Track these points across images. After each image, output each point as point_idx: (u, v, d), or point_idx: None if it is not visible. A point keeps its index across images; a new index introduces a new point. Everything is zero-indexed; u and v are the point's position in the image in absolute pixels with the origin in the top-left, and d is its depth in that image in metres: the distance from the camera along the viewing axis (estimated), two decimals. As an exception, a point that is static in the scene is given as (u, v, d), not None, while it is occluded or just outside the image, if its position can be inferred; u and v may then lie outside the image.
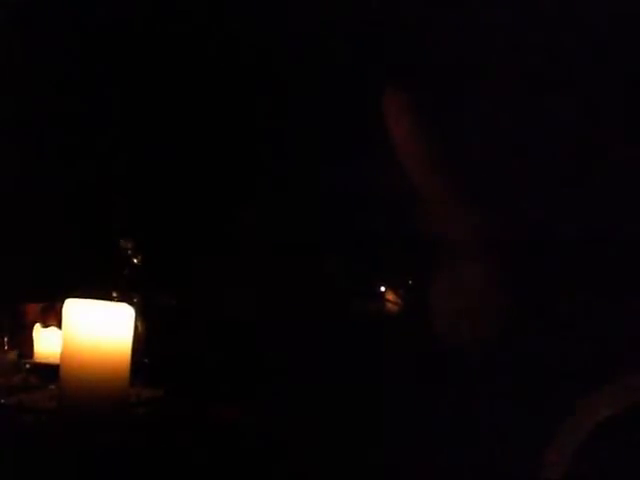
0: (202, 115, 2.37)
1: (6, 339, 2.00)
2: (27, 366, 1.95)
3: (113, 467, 1.28)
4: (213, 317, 2.16)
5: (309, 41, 2.08)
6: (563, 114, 0.67)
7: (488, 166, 0.69)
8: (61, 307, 1.37)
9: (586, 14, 0.66)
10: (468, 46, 0.69)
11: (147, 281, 2.12)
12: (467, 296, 0.71)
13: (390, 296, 2.18)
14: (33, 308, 2.10)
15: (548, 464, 0.63)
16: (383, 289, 2.21)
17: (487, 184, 0.70)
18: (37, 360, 1.98)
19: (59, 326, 1.59)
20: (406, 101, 0.72)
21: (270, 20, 2.19)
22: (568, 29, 0.66)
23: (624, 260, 0.67)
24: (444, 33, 0.70)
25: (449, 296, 0.73)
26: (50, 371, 1.69)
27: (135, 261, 2.12)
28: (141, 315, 1.89)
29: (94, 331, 1.33)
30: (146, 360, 1.91)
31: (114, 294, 2.00)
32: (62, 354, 1.35)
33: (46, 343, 1.99)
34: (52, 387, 1.69)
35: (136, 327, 1.42)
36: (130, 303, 1.52)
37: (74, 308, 1.35)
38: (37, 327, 2.03)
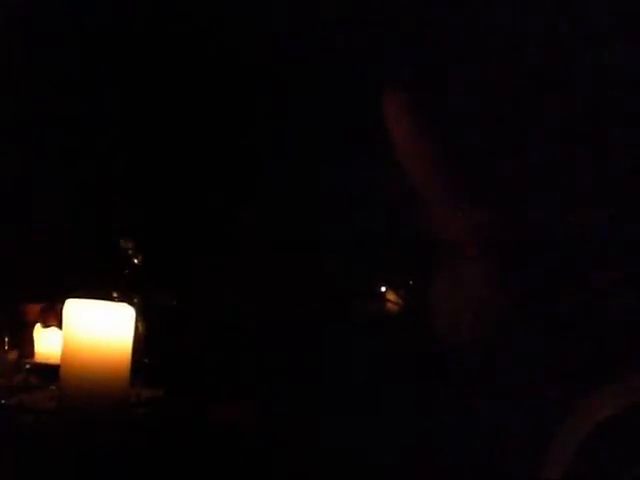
0: (202, 115, 2.37)
1: (6, 339, 2.00)
2: (27, 366, 1.95)
3: (113, 467, 1.28)
4: (213, 317, 2.16)
5: (309, 41, 2.08)
6: (563, 115, 0.67)
7: (488, 166, 0.70)
8: (61, 307, 1.37)
9: (586, 14, 0.66)
10: (468, 46, 0.69)
11: (147, 281, 2.12)
12: (467, 296, 0.71)
13: (390, 296, 2.18)
14: (33, 308, 2.10)
15: (548, 464, 0.64)
16: (383, 289, 2.20)
17: (487, 184, 0.70)
18: (37, 360, 1.98)
19: (59, 326, 1.59)
20: (406, 101, 0.72)
21: (270, 20, 2.19)
22: (568, 29, 0.66)
23: (624, 260, 0.67)
24: (444, 34, 0.70)
25: (449, 296, 0.73)
26: (50, 371, 1.69)
27: (135, 261, 2.12)
28: (141, 315, 1.89)
29: (94, 331, 1.33)
30: (146, 360, 1.91)
31: (114, 294, 2.00)
32: (62, 354, 1.35)
33: (46, 343, 1.99)
34: (52, 387, 1.69)
35: (136, 327, 1.42)
36: (130, 303, 1.52)
37: (74, 308, 1.35)
38: (37, 327, 2.03)
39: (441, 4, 0.66)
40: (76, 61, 2.34)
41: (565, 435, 0.61)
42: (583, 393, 0.62)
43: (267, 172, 2.34)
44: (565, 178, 0.63)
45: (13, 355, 1.99)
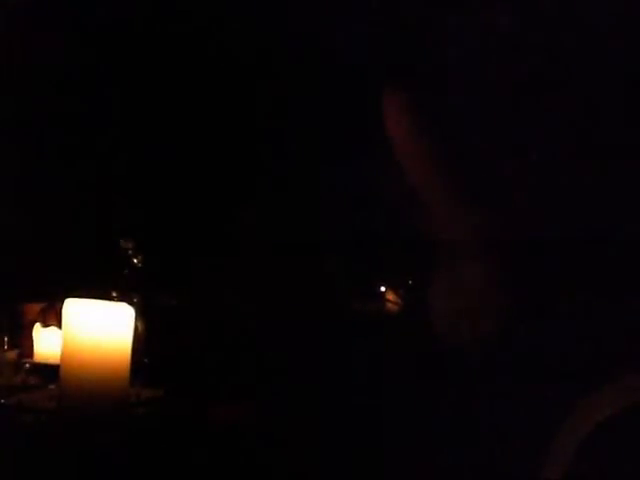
0: (202, 115, 2.37)
1: (6, 339, 2.01)
2: (27, 366, 1.95)
3: (113, 467, 1.28)
4: (213, 317, 2.16)
5: (309, 41, 2.08)
6: (563, 114, 0.67)
7: (488, 166, 0.69)
8: (61, 307, 1.37)
9: (586, 14, 0.66)
10: (468, 46, 0.69)
11: (147, 281, 2.12)
12: (467, 296, 0.71)
13: (390, 296, 2.18)
14: (33, 308, 2.10)
15: (548, 464, 0.63)
16: (383, 289, 2.21)
17: (487, 184, 0.70)
18: (37, 360, 1.98)
19: (59, 326, 1.59)
20: (406, 101, 0.72)
21: (270, 20, 2.19)
22: (568, 29, 0.66)
23: (624, 260, 0.67)
24: (444, 33, 0.70)
25: (449, 296, 0.73)
26: (50, 371, 1.69)
27: (135, 261, 2.12)
28: (141, 315, 1.89)
29: (94, 331, 1.33)
30: (146, 360, 1.91)
31: (114, 294, 2.00)
32: (62, 354, 1.35)
33: (46, 343, 1.99)
34: (52, 387, 1.69)
35: (136, 327, 1.42)
36: (130, 303, 1.52)
37: (74, 308, 1.35)
38: (37, 327, 2.03)
39: (441, 4, 0.66)
40: (76, 61, 2.34)
41: (565, 435, 0.61)
42: (583, 393, 0.62)
43: (267, 172, 2.34)
44: (565, 178, 0.63)
45: (13, 355, 1.99)
